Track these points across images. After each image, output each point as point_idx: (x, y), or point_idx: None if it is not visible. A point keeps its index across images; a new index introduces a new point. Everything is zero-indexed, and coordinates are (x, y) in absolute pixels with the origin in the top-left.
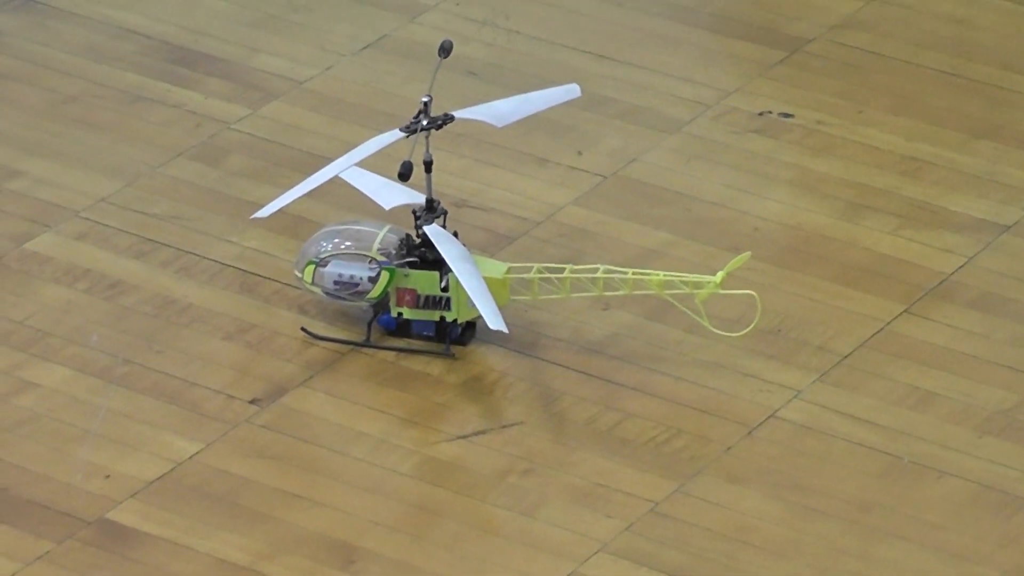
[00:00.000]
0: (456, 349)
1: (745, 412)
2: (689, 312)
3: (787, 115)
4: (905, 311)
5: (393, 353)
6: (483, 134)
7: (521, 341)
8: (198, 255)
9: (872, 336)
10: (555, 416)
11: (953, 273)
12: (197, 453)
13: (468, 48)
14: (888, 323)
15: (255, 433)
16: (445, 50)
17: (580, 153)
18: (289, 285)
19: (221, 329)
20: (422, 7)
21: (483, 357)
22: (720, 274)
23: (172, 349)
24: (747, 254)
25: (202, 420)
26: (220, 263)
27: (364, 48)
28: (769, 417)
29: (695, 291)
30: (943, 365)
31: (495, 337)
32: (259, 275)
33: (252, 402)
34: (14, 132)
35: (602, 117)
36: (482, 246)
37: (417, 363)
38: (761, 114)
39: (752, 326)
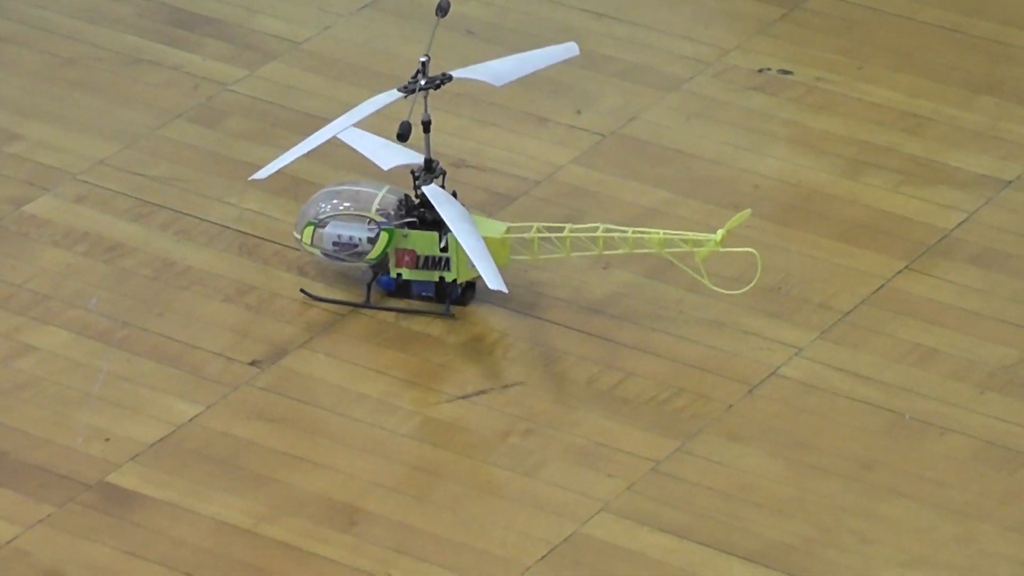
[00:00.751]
0: (456, 309)
1: (746, 370)
2: (689, 270)
3: (786, 72)
4: (906, 267)
5: (393, 314)
6: (482, 94)
7: (521, 301)
8: (197, 217)
9: (873, 293)
10: (556, 376)
11: (954, 229)
12: (197, 416)
13: (466, 7)
14: (889, 280)
15: (255, 395)
16: (443, 9)
17: (579, 112)
18: (289, 247)
19: (221, 291)
20: None
21: (483, 317)
22: (720, 232)
23: (172, 312)
24: (747, 211)
25: (202, 382)
26: (219, 225)
27: (362, 8)
28: (770, 375)
29: (695, 249)
30: (944, 322)
31: (495, 297)
32: (258, 237)
33: (252, 364)
34: (12, 95)
35: (601, 75)
36: (481, 206)
37: (417, 324)
38: (761, 71)
39: (752, 284)
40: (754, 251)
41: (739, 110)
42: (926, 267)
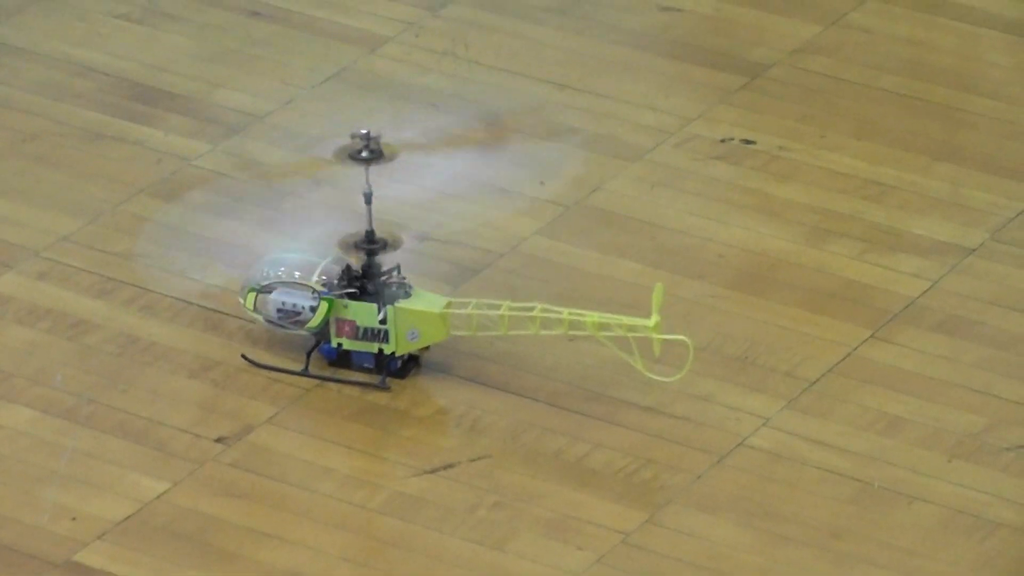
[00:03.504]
0: (423, 382)
1: (714, 440)
2: (623, 355)
3: (749, 141)
4: (872, 336)
5: (359, 387)
6: (444, 165)
7: (488, 373)
8: (161, 293)
9: (839, 362)
10: (523, 448)
11: (919, 297)
12: (164, 492)
13: (428, 79)
14: (855, 348)
15: (222, 471)
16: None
17: (543, 183)
18: (253, 322)
19: (185, 367)
20: (381, 39)
21: (449, 390)
22: (654, 317)
23: (137, 388)
24: (659, 286)
25: (169, 459)
26: (183, 300)
27: (324, 81)
28: (738, 445)
29: (629, 334)
30: (911, 390)
31: (460, 370)
32: (222, 312)
33: (218, 440)
34: None
35: (564, 146)
36: (446, 278)
37: (383, 397)
38: (723, 141)
39: (683, 372)
40: (687, 339)
41: (702, 179)
42: (891, 335)
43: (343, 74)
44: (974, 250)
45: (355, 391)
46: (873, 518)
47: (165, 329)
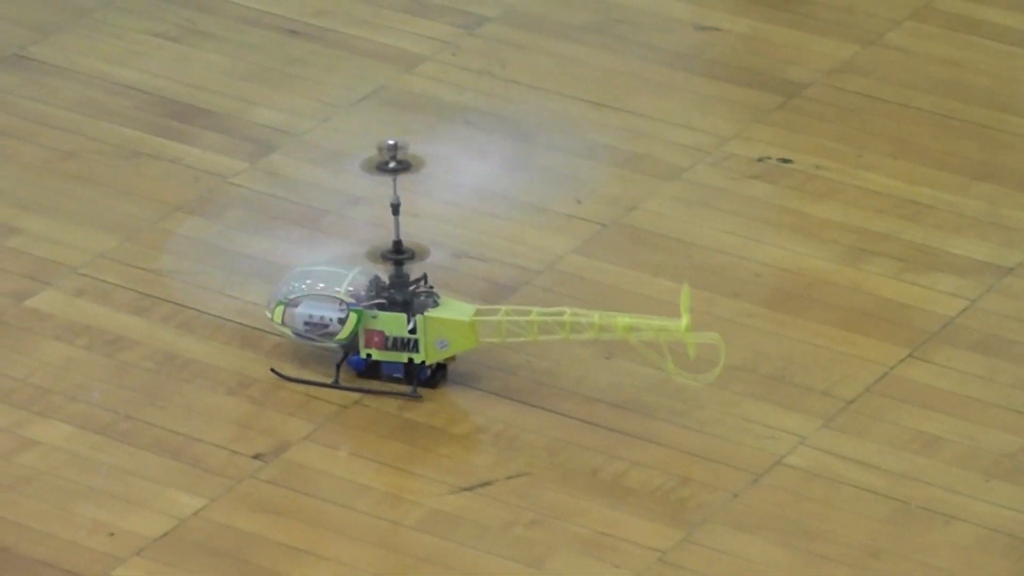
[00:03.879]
0: (452, 396)
1: (751, 459)
2: (654, 357)
3: (786, 160)
4: (909, 355)
5: (396, 404)
6: (480, 182)
7: (524, 391)
8: (198, 310)
9: (876, 381)
10: (560, 466)
11: (956, 316)
12: (202, 509)
13: (465, 98)
14: (892, 367)
15: (259, 488)
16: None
17: (579, 201)
18: (282, 336)
19: (223, 384)
20: (418, 58)
21: (485, 408)
22: (685, 318)
23: (174, 404)
24: (687, 286)
25: (206, 476)
26: (221, 318)
27: (361, 99)
28: (775, 464)
29: (660, 336)
30: (948, 409)
31: (496, 387)
32: (260, 329)
33: (256, 457)
34: (12, 189)
35: (601, 164)
36: (483, 296)
37: (420, 414)
38: (760, 160)
39: (716, 372)
40: (717, 336)
41: (739, 198)
42: (928, 354)
43: (379, 92)
44: (1012, 269)
45: (391, 408)
46: (910, 537)
47: (202, 346)
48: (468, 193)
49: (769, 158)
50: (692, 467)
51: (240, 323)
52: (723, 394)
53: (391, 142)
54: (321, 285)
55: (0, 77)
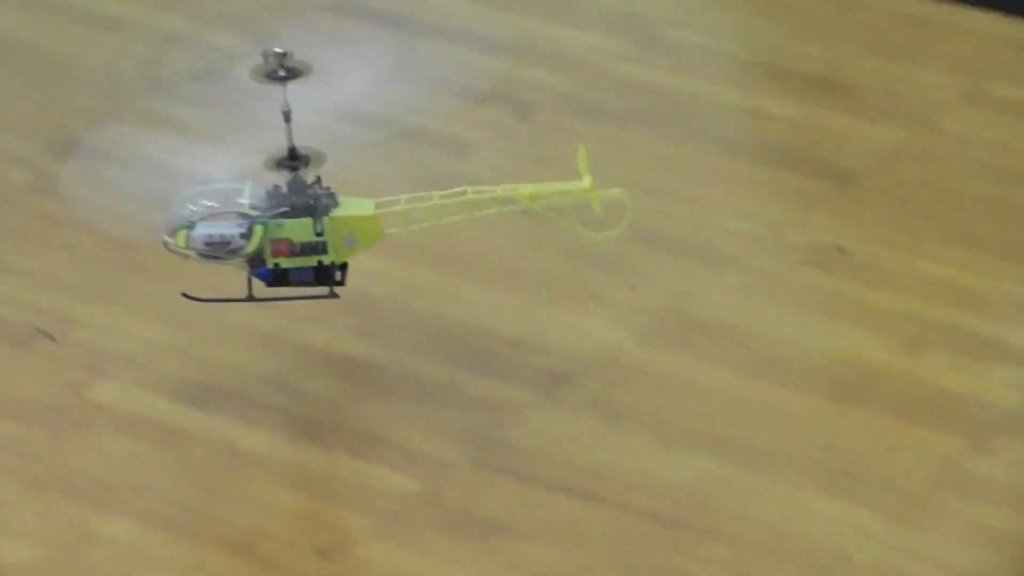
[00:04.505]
0: (520, 493)
1: (815, 554)
2: (561, 222)
3: (842, 248)
4: (969, 446)
5: (461, 502)
6: (533, 271)
7: (584, 484)
8: (259, 402)
9: (937, 472)
10: (622, 561)
11: (1017, 407)
12: None
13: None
14: (953, 459)
15: None
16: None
17: (633, 288)
18: (347, 430)
19: (286, 478)
20: (468, 143)
21: (550, 504)
22: (586, 179)
23: (236, 499)
24: (583, 147)
25: (270, 572)
26: (281, 409)
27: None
28: (840, 558)
29: (565, 199)
30: (1012, 503)
31: (561, 480)
32: (321, 419)
33: (320, 553)
34: (71, 279)
35: (654, 251)
36: (537, 385)
37: (486, 510)
38: (816, 247)
39: (622, 226)
40: (624, 192)
41: (796, 287)
42: (989, 446)
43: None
44: None
45: (456, 505)
46: None
47: (264, 439)
48: (518, 278)
49: (825, 246)
50: (754, 561)
51: (301, 414)
52: (781, 486)
53: (278, 50)
54: (220, 203)
55: (58, 165)
